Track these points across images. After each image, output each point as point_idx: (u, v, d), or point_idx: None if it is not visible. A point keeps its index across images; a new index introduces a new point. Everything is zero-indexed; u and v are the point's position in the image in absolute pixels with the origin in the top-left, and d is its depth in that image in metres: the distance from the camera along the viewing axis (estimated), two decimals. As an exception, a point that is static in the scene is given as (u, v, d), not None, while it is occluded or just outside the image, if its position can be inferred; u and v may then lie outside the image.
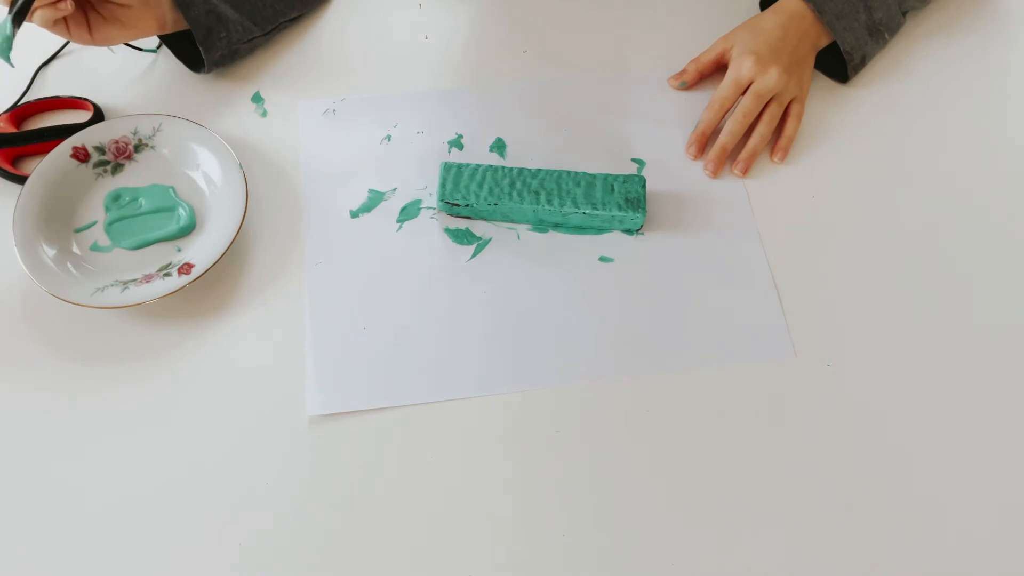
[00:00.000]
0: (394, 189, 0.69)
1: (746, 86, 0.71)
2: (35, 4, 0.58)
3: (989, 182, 0.71)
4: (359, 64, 0.77)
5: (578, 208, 0.65)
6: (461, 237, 0.67)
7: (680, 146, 0.72)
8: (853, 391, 0.61)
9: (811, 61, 0.74)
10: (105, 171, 0.69)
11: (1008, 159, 0.72)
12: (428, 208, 0.68)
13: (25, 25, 0.59)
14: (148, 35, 0.68)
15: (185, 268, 0.63)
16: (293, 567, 0.55)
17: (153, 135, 0.69)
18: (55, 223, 0.65)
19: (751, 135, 0.71)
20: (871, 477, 0.58)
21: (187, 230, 0.66)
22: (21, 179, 0.67)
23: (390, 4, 0.80)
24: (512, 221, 0.68)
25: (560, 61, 0.77)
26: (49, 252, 0.63)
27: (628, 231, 0.67)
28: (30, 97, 0.74)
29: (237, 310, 0.64)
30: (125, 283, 0.63)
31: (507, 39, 0.78)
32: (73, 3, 0.60)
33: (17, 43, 0.60)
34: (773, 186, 0.70)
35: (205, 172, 0.68)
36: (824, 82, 0.76)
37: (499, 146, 0.72)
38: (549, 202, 0.65)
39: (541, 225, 0.68)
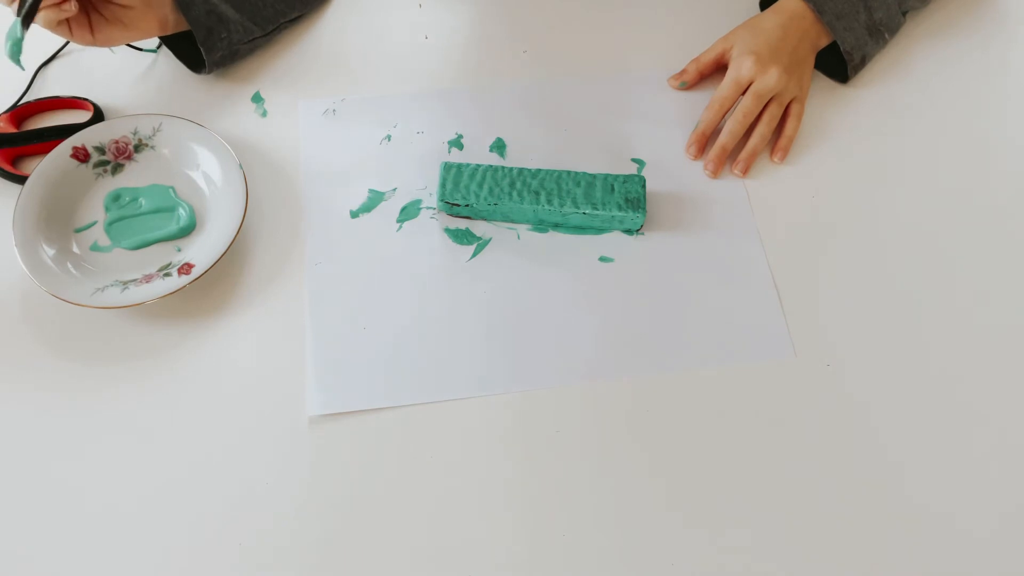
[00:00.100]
0: (394, 189, 0.69)
1: (746, 86, 0.71)
2: (41, 5, 0.58)
3: (989, 182, 0.71)
4: (359, 64, 0.77)
5: (578, 208, 0.65)
6: (461, 237, 0.67)
7: (680, 146, 0.72)
8: (853, 391, 0.61)
9: (811, 61, 0.74)
10: (105, 171, 0.69)
11: (1008, 159, 0.72)
12: (428, 208, 0.68)
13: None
14: (150, 36, 0.68)
15: (185, 268, 0.63)
16: (293, 567, 0.55)
17: (153, 135, 0.69)
18: (55, 223, 0.65)
19: (751, 135, 0.71)
20: (871, 477, 0.58)
21: (187, 230, 0.66)
22: (21, 179, 0.67)
23: (390, 4, 0.80)
24: (512, 221, 0.68)
25: (560, 61, 0.77)
26: (49, 252, 0.63)
27: (628, 231, 0.67)
28: (30, 97, 0.74)
29: (237, 310, 0.64)
30: (125, 283, 0.63)
31: (507, 39, 0.78)
32: (76, 4, 0.60)
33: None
34: (773, 186, 0.70)
35: (205, 172, 0.68)
36: (824, 82, 0.76)
37: (499, 146, 0.72)
38: (549, 202, 0.65)
39: (541, 225, 0.68)
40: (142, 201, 0.67)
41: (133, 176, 0.69)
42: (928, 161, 0.72)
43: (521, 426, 0.59)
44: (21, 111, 0.72)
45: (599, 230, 0.67)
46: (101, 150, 0.68)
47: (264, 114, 0.73)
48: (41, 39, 0.70)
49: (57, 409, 0.60)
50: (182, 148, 0.69)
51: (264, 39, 0.75)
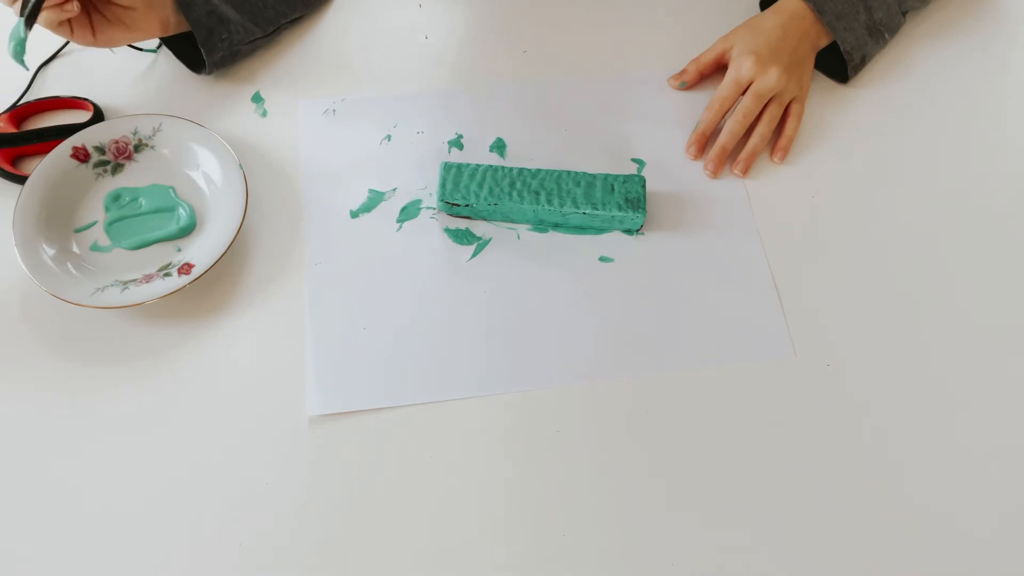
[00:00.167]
0: (394, 189, 0.69)
1: (746, 86, 0.71)
2: (43, 5, 0.58)
3: (989, 182, 0.71)
4: (359, 64, 0.77)
5: (578, 208, 0.65)
6: (461, 237, 0.67)
7: (680, 146, 0.72)
8: (853, 391, 0.61)
9: (811, 61, 0.74)
10: (105, 171, 0.69)
11: (1008, 159, 0.72)
12: (428, 208, 0.68)
13: None
14: (151, 37, 0.68)
15: (185, 268, 0.63)
16: (293, 567, 0.55)
17: (153, 135, 0.69)
18: (55, 223, 0.65)
19: (751, 135, 0.71)
20: (871, 477, 0.58)
21: (187, 230, 0.66)
22: (21, 179, 0.67)
23: (390, 4, 0.80)
24: (512, 221, 0.68)
25: (560, 61, 0.77)
26: (49, 252, 0.63)
27: (628, 231, 0.67)
28: (30, 97, 0.74)
29: (237, 310, 0.64)
30: (125, 283, 0.63)
31: (507, 39, 0.78)
32: (78, 4, 0.60)
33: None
34: (773, 186, 0.70)
35: (205, 172, 0.68)
36: (824, 82, 0.76)
37: (499, 146, 0.72)
38: (549, 202, 0.65)
39: (541, 225, 0.68)
40: (142, 201, 0.68)
41: (133, 176, 0.69)
42: (928, 161, 0.72)
43: (521, 426, 0.59)
44: (21, 111, 0.72)
45: (599, 230, 0.67)
46: (101, 150, 0.68)
47: (264, 114, 0.73)
48: (41, 39, 0.70)
49: (57, 409, 0.60)
50: (182, 148, 0.69)
51: (265, 40, 0.75)
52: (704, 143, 0.71)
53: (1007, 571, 0.55)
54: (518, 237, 0.67)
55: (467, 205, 0.66)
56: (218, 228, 0.65)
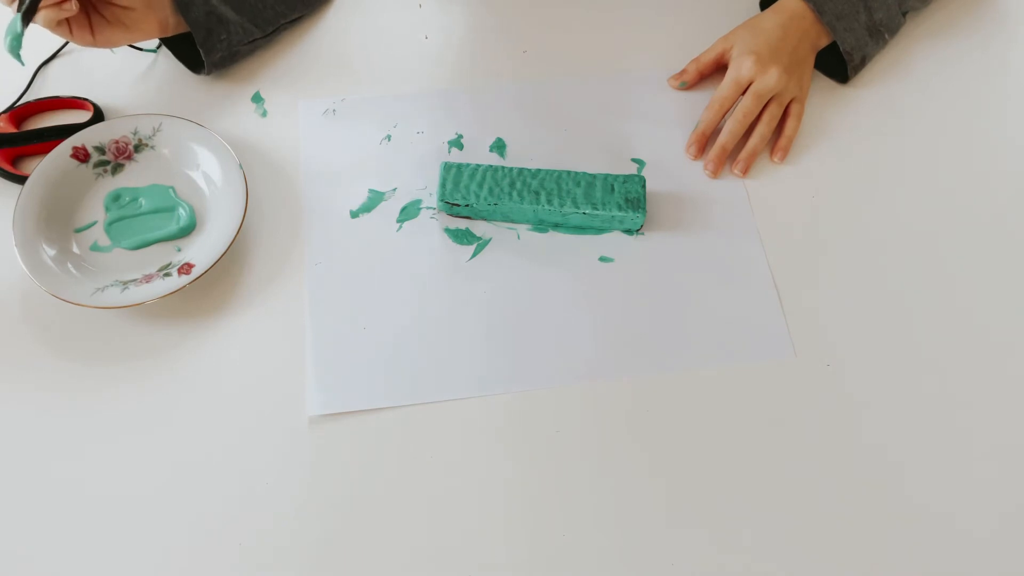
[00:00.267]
0: (394, 189, 0.69)
1: (746, 86, 0.71)
2: (41, 4, 0.58)
3: (989, 182, 0.71)
4: (359, 64, 0.77)
5: (578, 208, 0.65)
6: (461, 237, 0.67)
7: (680, 146, 0.72)
8: (853, 391, 0.61)
9: (811, 61, 0.74)
10: (105, 171, 0.69)
11: (1008, 159, 0.72)
12: (428, 208, 0.68)
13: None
14: (150, 37, 0.68)
15: (185, 268, 0.63)
16: (293, 567, 0.55)
17: (153, 135, 0.69)
18: (55, 223, 0.65)
19: (751, 135, 0.71)
20: (871, 477, 0.58)
21: (187, 230, 0.66)
22: (21, 179, 0.67)
23: (390, 4, 0.80)
24: (512, 221, 0.68)
25: (560, 61, 0.77)
26: (49, 252, 0.63)
27: (628, 231, 0.67)
28: (30, 97, 0.74)
29: (237, 310, 0.64)
30: (125, 283, 0.63)
31: (507, 39, 0.78)
32: (77, 4, 0.60)
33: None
34: (773, 186, 0.70)
35: (205, 172, 0.68)
36: (824, 82, 0.76)
37: (499, 146, 0.72)
38: (549, 202, 0.65)
39: (541, 225, 0.68)
40: (142, 201, 0.68)
41: (133, 176, 0.69)
42: (928, 161, 0.72)
43: (521, 426, 0.59)
44: (21, 111, 0.72)
45: (599, 230, 0.67)
46: (101, 150, 0.68)
47: (264, 114, 0.73)
48: (41, 39, 0.70)
49: (57, 409, 0.60)
50: (182, 148, 0.69)
51: (264, 40, 0.75)
52: (704, 143, 0.71)
53: (1007, 571, 0.55)
54: (518, 237, 0.67)
55: (467, 205, 0.66)
56: (218, 228, 0.65)
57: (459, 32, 0.79)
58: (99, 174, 0.68)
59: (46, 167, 0.66)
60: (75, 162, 0.67)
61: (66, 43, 0.76)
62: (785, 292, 0.65)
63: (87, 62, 0.76)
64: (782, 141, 0.71)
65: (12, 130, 0.71)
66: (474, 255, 0.66)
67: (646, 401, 0.60)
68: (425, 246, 0.67)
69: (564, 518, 0.56)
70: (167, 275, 0.63)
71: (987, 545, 0.56)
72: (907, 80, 0.76)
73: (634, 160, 0.71)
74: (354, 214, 0.68)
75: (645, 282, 0.65)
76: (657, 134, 0.72)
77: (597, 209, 0.65)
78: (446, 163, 0.67)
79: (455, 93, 0.75)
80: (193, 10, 0.68)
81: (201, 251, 0.64)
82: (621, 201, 0.66)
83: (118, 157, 0.69)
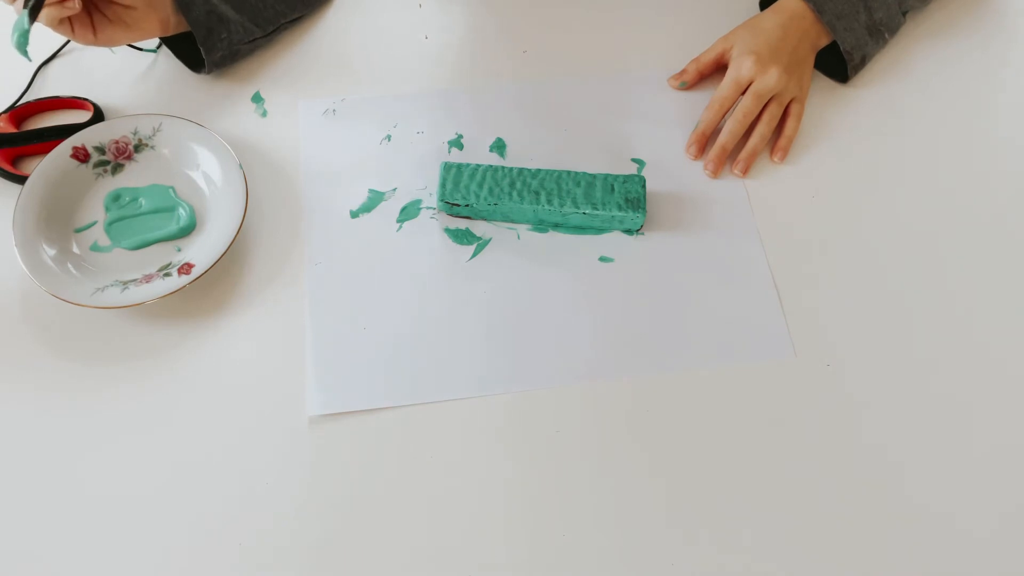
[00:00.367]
0: (394, 189, 0.69)
1: (746, 86, 0.71)
2: (46, 2, 0.58)
3: (989, 182, 0.71)
4: (359, 64, 0.77)
5: (578, 208, 0.65)
6: (461, 237, 0.67)
7: (680, 146, 0.72)
8: (853, 391, 0.61)
9: (811, 61, 0.74)
10: (105, 171, 0.69)
11: (1008, 159, 0.72)
12: (428, 208, 0.68)
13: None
14: (151, 36, 0.68)
15: (185, 268, 0.63)
16: (293, 567, 0.55)
17: (153, 135, 0.69)
18: (55, 223, 0.65)
19: (751, 135, 0.71)
20: (871, 477, 0.58)
21: (187, 230, 0.66)
22: (21, 179, 0.67)
23: (390, 4, 0.80)
24: (512, 221, 0.68)
25: (560, 61, 0.77)
26: (49, 252, 0.63)
27: (628, 231, 0.67)
28: (30, 97, 0.74)
29: (237, 310, 0.64)
30: (125, 283, 0.63)
31: (507, 39, 0.78)
32: (80, 2, 0.60)
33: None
34: (773, 186, 0.70)
35: (205, 172, 0.68)
36: (824, 82, 0.76)
37: (499, 146, 0.72)
38: (549, 202, 0.65)
39: (541, 225, 0.68)
40: (142, 201, 0.68)
41: (133, 176, 0.69)
42: (928, 161, 0.72)
43: (521, 426, 0.59)
44: (21, 111, 0.72)
45: (599, 230, 0.67)
46: (101, 150, 0.68)
47: (264, 114, 0.73)
48: (41, 38, 0.70)
49: (57, 409, 0.60)
50: (182, 148, 0.69)
51: (264, 39, 0.75)
52: (704, 143, 0.71)
53: (1007, 571, 0.55)
54: (518, 237, 0.67)
55: (467, 205, 0.66)
56: (218, 228, 0.65)
57: (459, 32, 0.79)
58: (99, 174, 0.68)
59: (46, 167, 0.66)
60: (75, 162, 0.67)
61: (66, 43, 0.76)
62: (785, 292, 0.65)
63: (87, 62, 0.76)
64: (782, 141, 0.71)
65: (12, 130, 0.71)
66: (474, 255, 0.66)
67: (646, 401, 0.60)
68: (425, 246, 0.67)
69: (564, 518, 0.56)
70: (167, 275, 0.63)
71: (987, 545, 0.56)
72: (907, 80, 0.76)
73: (634, 160, 0.71)
74: (354, 214, 0.68)
75: (645, 282, 0.65)
76: (657, 134, 0.72)
77: (597, 209, 0.65)
78: (446, 163, 0.67)
79: (455, 93, 0.75)
80: (194, 9, 0.68)
81: (201, 251, 0.64)
82: (621, 201, 0.66)
83: (118, 157, 0.69)
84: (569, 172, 0.67)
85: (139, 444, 0.59)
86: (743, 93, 0.71)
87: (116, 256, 0.65)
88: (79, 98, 0.73)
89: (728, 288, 0.65)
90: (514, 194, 0.66)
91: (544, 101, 0.74)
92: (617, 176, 0.67)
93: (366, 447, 0.58)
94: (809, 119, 0.73)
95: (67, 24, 0.62)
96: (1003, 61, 0.78)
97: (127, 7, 0.64)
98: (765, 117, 0.71)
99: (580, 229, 0.67)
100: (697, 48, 0.75)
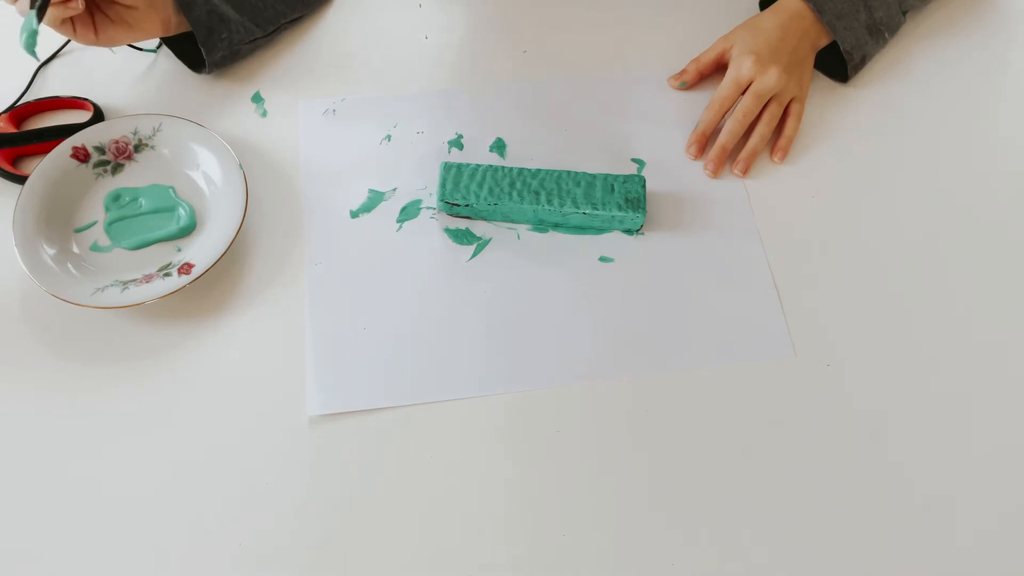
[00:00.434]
0: (394, 189, 0.69)
1: (746, 86, 0.71)
2: (50, 2, 0.58)
3: (989, 182, 0.71)
4: (359, 64, 0.77)
5: (578, 208, 0.65)
6: (461, 237, 0.67)
7: (680, 146, 0.72)
8: (853, 391, 0.61)
9: (811, 61, 0.74)
10: (105, 171, 0.69)
11: (1008, 159, 0.72)
12: (428, 208, 0.68)
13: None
14: (153, 36, 0.68)
15: (185, 268, 0.63)
16: (293, 567, 0.55)
17: (153, 135, 0.69)
18: (55, 223, 0.65)
19: (751, 135, 0.71)
20: (871, 477, 0.58)
21: (187, 230, 0.66)
22: (21, 179, 0.67)
23: (390, 4, 0.80)
24: (512, 221, 0.68)
25: (560, 61, 0.77)
26: (49, 252, 0.63)
27: (628, 231, 0.67)
28: (30, 97, 0.74)
29: (237, 310, 0.64)
30: (125, 283, 0.63)
31: (507, 39, 0.78)
32: (83, 2, 0.60)
33: (16, 43, 0.60)
34: (773, 186, 0.70)
35: (205, 172, 0.68)
36: (824, 82, 0.76)
37: (499, 146, 0.72)
38: (549, 202, 0.65)
39: (541, 225, 0.68)
40: (142, 201, 0.68)
41: (133, 176, 0.69)
42: (928, 161, 0.72)
43: (521, 426, 0.59)
44: (21, 111, 0.72)
45: (599, 230, 0.67)
46: (101, 150, 0.68)
47: (264, 114, 0.73)
48: (41, 38, 0.69)
49: (57, 409, 0.60)
50: (182, 148, 0.69)
51: (265, 39, 0.75)
52: (704, 143, 0.71)
53: (1007, 571, 0.55)
54: (518, 237, 0.67)
55: (467, 205, 0.66)
56: (218, 228, 0.65)
57: (459, 32, 0.79)
58: (99, 174, 0.68)
59: (46, 167, 0.66)
60: (75, 162, 0.67)
61: (67, 43, 0.76)
62: (785, 292, 0.65)
63: (87, 62, 0.76)
64: (782, 141, 0.71)
65: (12, 130, 0.71)
66: (474, 255, 0.66)
67: (646, 401, 0.60)
68: (425, 246, 0.67)
69: (564, 518, 0.56)
70: (167, 275, 0.63)
71: (987, 545, 0.56)
72: (907, 80, 0.76)
73: (634, 160, 0.71)
74: (354, 214, 0.68)
75: (645, 282, 0.65)
76: (657, 134, 0.72)
77: (597, 209, 0.65)
78: (446, 163, 0.67)
79: (455, 93, 0.75)
80: (195, 9, 0.68)
81: (201, 251, 0.64)
82: (621, 201, 0.66)
83: (118, 157, 0.69)
84: (569, 172, 0.67)
85: (139, 444, 0.59)
86: (743, 93, 0.71)
87: (116, 256, 0.65)
88: (79, 98, 0.73)
89: (728, 288, 0.65)
90: (514, 194, 0.66)
91: (544, 101, 0.74)
92: (617, 176, 0.67)
93: (366, 447, 0.58)
94: (809, 119, 0.74)
95: (69, 24, 0.62)
96: (1003, 61, 0.78)
97: (129, 7, 0.64)
98: (765, 117, 0.71)
99: (580, 229, 0.67)
100: (697, 48, 0.75)
